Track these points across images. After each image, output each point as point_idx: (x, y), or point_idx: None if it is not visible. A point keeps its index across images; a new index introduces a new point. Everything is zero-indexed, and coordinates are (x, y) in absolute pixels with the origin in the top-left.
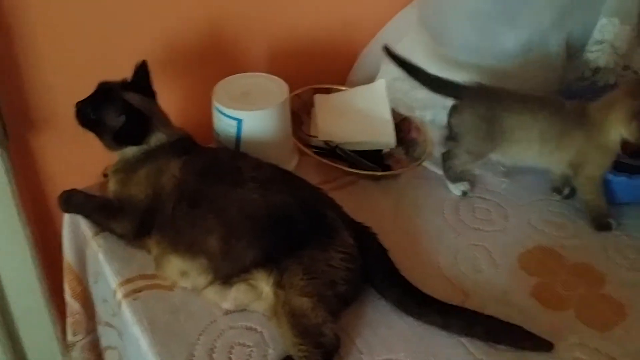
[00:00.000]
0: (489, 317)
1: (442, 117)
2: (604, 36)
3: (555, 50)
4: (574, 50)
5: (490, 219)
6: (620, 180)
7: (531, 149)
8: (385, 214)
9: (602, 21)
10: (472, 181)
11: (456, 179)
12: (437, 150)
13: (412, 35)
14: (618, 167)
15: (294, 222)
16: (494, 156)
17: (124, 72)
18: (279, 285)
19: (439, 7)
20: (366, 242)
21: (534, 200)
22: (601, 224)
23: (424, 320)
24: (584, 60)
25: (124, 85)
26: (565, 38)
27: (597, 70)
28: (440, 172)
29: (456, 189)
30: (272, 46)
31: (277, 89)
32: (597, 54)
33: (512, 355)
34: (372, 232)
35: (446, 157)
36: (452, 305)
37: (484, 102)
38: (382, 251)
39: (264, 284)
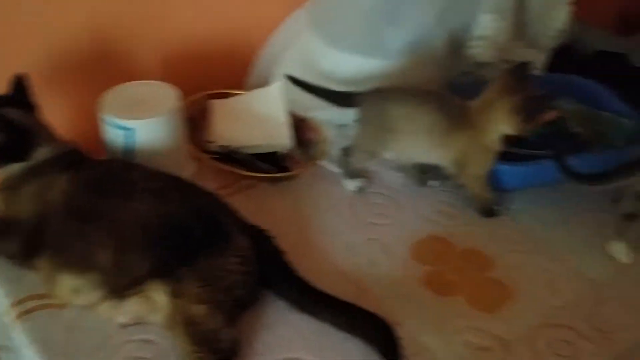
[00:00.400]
0: (378, 319)
1: (338, 117)
2: (485, 32)
3: (439, 47)
4: (457, 46)
5: (386, 213)
6: (505, 169)
7: (419, 143)
8: (283, 216)
9: (482, 18)
10: (369, 178)
11: (352, 175)
12: (334, 149)
13: (304, 37)
14: (503, 155)
15: (188, 230)
16: (388, 154)
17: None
18: (174, 294)
19: (328, 9)
20: (263, 245)
21: (426, 192)
22: (487, 212)
23: (319, 318)
24: (468, 55)
25: (1, 100)
26: (448, 35)
27: (480, 64)
28: (336, 170)
29: (351, 185)
30: (164, 53)
31: (169, 96)
32: (479, 49)
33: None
34: (269, 234)
35: (344, 154)
36: (347, 303)
37: (376, 100)
38: (279, 253)
39: (160, 295)
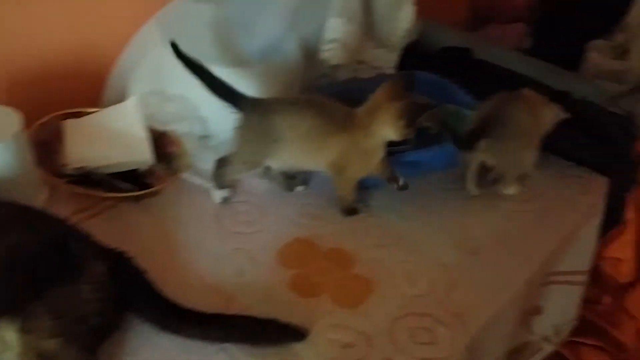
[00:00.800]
0: (246, 319)
1: (197, 128)
2: (335, 35)
3: (292, 53)
4: (311, 51)
5: (252, 220)
6: None
7: (301, 150)
8: (147, 233)
9: (331, 22)
10: (234, 187)
11: (222, 186)
12: (197, 162)
13: (156, 50)
14: None
15: (35, 261)
16: (270, 162)
17: None
18: (24, 331)
19: (177, 20)
20: (122, 268)
21: (291, 196)
22: (349, 211)
23: (185, 335)
24: (321, 59)
25: None
26: (300, 40)
27: (335, 67)
28: (200, 182)
29: (218, 196)
30: (10, 74)
31: (11, 120)
32: (331, 53)
33: (272, 350)
34: (127, 256)
35: (219, 165)
36: (211, 315)
37: (257, 110)
38: (140, 274)
39: (9, 333)
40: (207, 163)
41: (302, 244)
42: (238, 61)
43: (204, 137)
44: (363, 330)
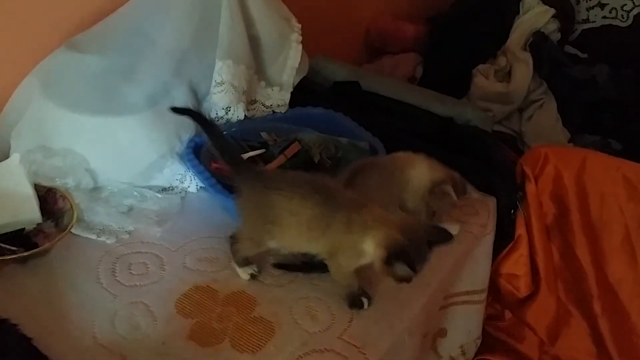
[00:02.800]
0: None
1: (86, 181)
2: (223, 78)
3: (180, 98)
4: (201, 95)
5: (147, 272)
6: None
7: (301, 236)
8: (36, 296)
9: (218, 64)
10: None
11: (243, 263)
12: (87, 215)
13: (36, 103)
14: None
15: None
16: (272, 244)
17: None
18: None
19: (58, 72)
20: (4, 337)
21: (187, 242)
22: (353, 302)
23: None
24: (212, 102)
25: None
26: (188, 85)
27: (228, 109)
28: (92, 236)
29: (243, 274)
30: None
31: None
32: (220, 95)
33: None
34: (11, 323)
35: (232, 242)
36: None
37: (258, 185)
38: (25, 341)
39: None
40: (98, 216)
41: (201, 291)
42: (124, 109)
43: (94, 190)
44: None
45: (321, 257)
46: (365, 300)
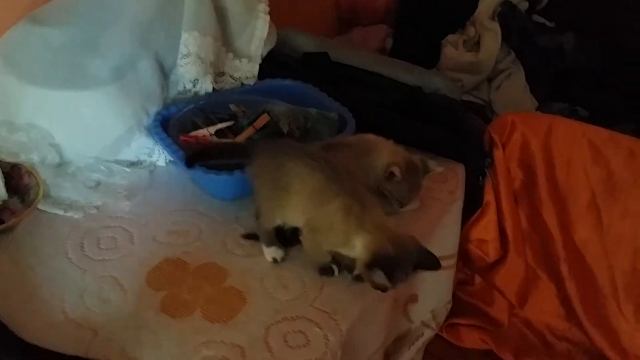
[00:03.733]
0: None
1: (52, 156)
2: (189, 49)
3: (146, 70)
4: (168, 67)
5: (117, 246)
6: (223, 179)
7: (299, 206)
8: (2, 274)
9: (184, 36)
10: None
11: (270, 242)
12: (54, 191)
13: None
14: (218, 167)
15: None
16: (279, 219)
17: None
18: None
19: (20, 46)
20: None
21: (157, 215)
22: (323, 270)
23: None
24: (179, 74)
25: None
26: (154, 57)
27: (196, 81)
28: (60, 212)
29: (268, 255)
30: None
31: None
32: (186, 67)
33: None
34: None
35: (256, 218)
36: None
37: (272, 152)
38: None
39: None
40: (65, 191)
41: (171, 264)
42: (88, 83)
43: (60, 165)
44: (237, 343)
45: (298, 228)
46: (335, 268)
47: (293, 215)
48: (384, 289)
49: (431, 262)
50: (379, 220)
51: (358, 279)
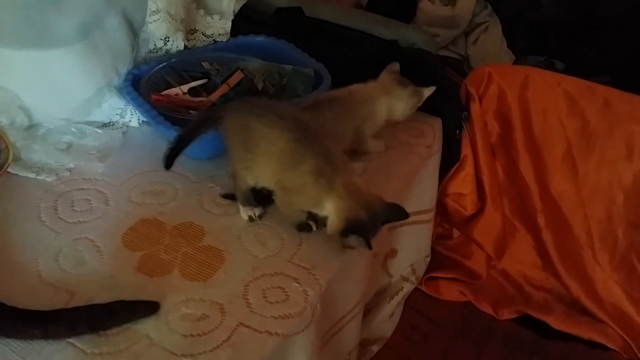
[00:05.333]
0: (90, 308)
1: (21, 119)
2: (158, 6)
3: (114, 28)
4: (137, 25)
5: (91, 208)
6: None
7: (269, 168)
8: None
9: None
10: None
11: (245, 202)
12: (25, 154)
13: None
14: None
15: None
16: (250, 180)
17: None
18: None
19: None
20: None
21: (132, 176)
22: (301, 227)
23: (25, 337)
24: (149, 31)
25: None
26: (122, 14)
27: (167, 39)
28: (31, 175)
29: (243, 213)
30: None
31: None
32: (156, 24)
33: (122, 336)
34: None
35: (230, 178)
36: (51, 312)
37: (241, 111)
38: None
39: None
40: (36, 154)
41: (148, 224)
42: (55, 41)
43: (30, 127)
44: (216, 300)
45: (270, 189)
46: (312, 224)
47: (263, 176)
48: (353, 247)
49: (399, 215)
50: (350, 182)
51: (348, 247)
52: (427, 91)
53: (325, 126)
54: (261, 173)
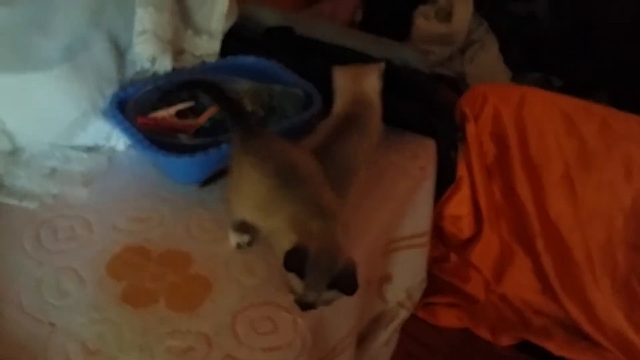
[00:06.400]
0: None
1: (3, 144)
2: (145, 26)
3: (99, 49)
4: (123, 46)
5: (75, 235)
6: (185, 161)
7: (252, 212)
8: None
9: (139, 12)
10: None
11: (236, 227)
12: (7, 180)
13: None
14: (177, 148)
15: None
16: (239, 213)
17: None
18: None
19: None
20: None
21: (117, 202)
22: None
23: None
24: (136, 53)
25: None
26: (108, 35)
27: (154, 60)
28: (14, 202)
29: (232, 239)
30: None
31: None
32: (143, 45)
33: None
34: None
35: (225, 202)
36: None
37: (243, 143)
38: None
39: None
40: (19, 180)
41: (133, 252)
42: (39, 64)
43: (13, 152)
44: (203, 332)
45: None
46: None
47: (248, 216)
48: (299, 302)
49: (346, 286)
50: (330, 227)
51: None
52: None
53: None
54: (246, 213)
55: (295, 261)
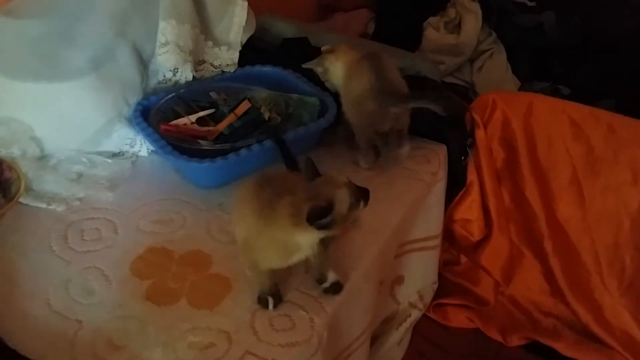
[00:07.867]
0: None
1: (32, 149)
2: (167, 38)
3: (124, 60)
4: (147, 56)
5: (100, 237)
6: (205, 166)
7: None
8: None
9: (161, 25)
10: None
11: (270, 290)
12: (36, 184)
13: None
14: (197, 154)
15: None
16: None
17: None
18: None
19: None
20: None
21: (141, 205)
22: (259, 300)
23: None
24: (159, 63)
25: None
26: (132, 47)
27: (176, 70)
28: (42, 205)
29: (271, 304)
30: None
31: None
32: (165, 56)
33: None
34: None
35: None
36: None
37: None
38: None
39: None
40: (47, 184)
41: (156, 253)
42: (67, 74)
43: (41, 158)
44: (223, 329)
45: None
46: (271, 301)
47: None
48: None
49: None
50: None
51: (327, 291)
52: None
53: None
54: (272, 257)
55: (318, 214)
